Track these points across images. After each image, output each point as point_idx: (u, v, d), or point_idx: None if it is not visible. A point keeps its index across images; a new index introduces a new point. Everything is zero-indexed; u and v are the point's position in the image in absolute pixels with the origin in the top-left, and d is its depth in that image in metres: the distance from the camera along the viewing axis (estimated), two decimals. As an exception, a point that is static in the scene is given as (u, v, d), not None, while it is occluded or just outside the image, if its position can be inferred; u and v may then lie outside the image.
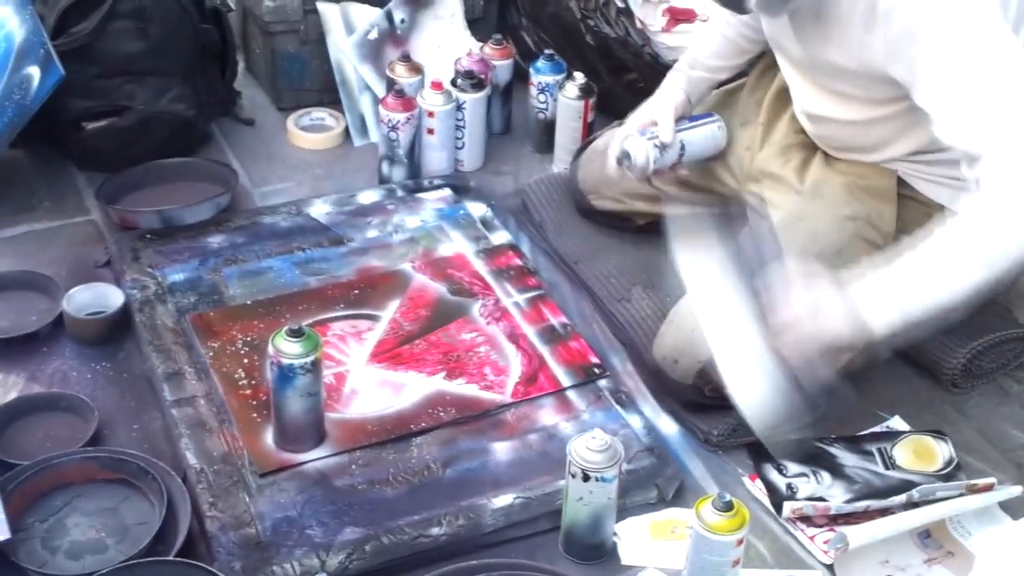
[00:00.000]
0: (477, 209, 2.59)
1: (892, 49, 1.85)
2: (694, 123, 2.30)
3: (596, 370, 2.18)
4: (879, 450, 2.06)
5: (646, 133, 2.26)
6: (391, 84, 2.71)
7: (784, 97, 2.24)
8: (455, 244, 2.48)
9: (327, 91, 2.90)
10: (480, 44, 2.88)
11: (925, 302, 1.80)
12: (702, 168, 2.33)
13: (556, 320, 2.29)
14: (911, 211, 2.09)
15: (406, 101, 2.62)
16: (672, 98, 2.30)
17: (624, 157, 2.24)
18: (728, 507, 1.69)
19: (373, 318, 2.27)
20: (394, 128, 2.61)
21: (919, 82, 1.84)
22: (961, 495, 1.96)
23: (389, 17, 2.86)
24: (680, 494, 1.98)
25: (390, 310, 2.29)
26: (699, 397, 2.07)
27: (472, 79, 2.70)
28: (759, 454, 2.05)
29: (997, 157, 1.77)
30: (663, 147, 2.24)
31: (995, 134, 1.78)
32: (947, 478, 2.00)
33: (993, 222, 1.78)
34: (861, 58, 1.91)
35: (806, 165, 2.19)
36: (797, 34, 2.02)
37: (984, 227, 1.78)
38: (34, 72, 2.48)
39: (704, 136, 2.30)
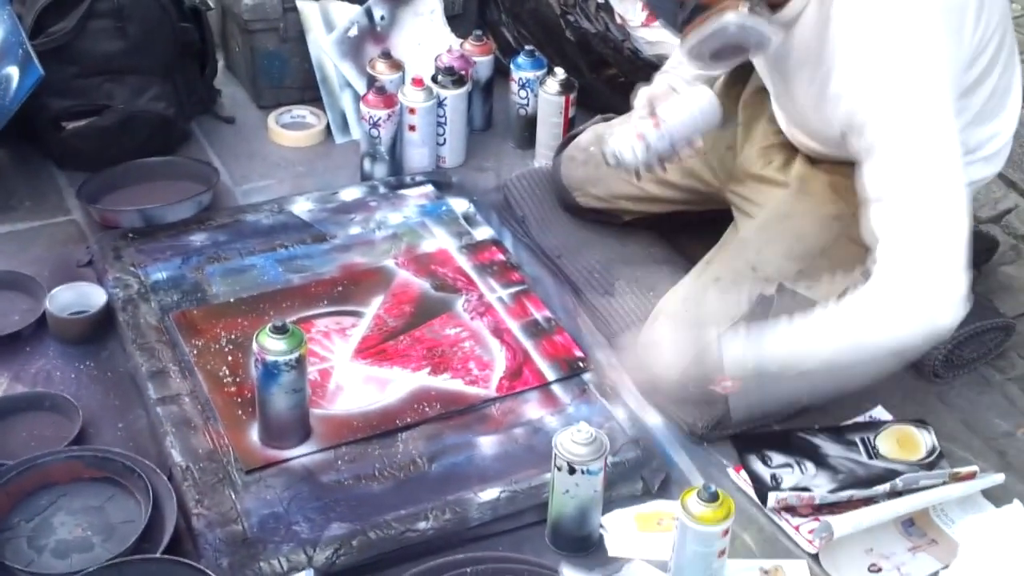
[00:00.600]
0: (459, 205, 2.59)
1: (844, 130, 1.89)
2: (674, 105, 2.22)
3: (580, 363, 2.18)
4: (862, 440, 2.07)
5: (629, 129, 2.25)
6: (372, 81, 2.71)
7: (763, 94, 2.24)
8: (438, 240, 2.48)
9: (308, 89, 2.90)
10: (460, 40, 2.88)
11: (783, 357, 1.89)
12: (684, 167, 2.33)
13: (540, 314, 2.29)
14: None
15: (387, 98, 2.62)
16: (652, 91, 2.29)
17: (612, 158, 2.23)
18: (714, 498, 1.69)
19: (357, 314, 2.27)
20: (375, 125, 2.61)
21: (863, 167, 1.86)
22: (944, 483, 1.97)
23: (369, 14, 2.86)
24: (666, 486, 1.99)
25: (374, 306, 2.29)
26: (683, 392, 2.07)
27: (453, 75, 2.71)
28: (744, 445, 2.06)
29: (893, 260, 1.81)
30: (647, 139, 2.18)
31: (901, 238, 1.81)
32: (930, 467, 2.01)
33: (867, 311, 1.83)
34: (821, 121, 1.96)
35: (788, 164, 2.19)
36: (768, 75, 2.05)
37: (857, 314, 1.84)
38: (13, 72, 2.47)
39: (688, 114, 2.16)
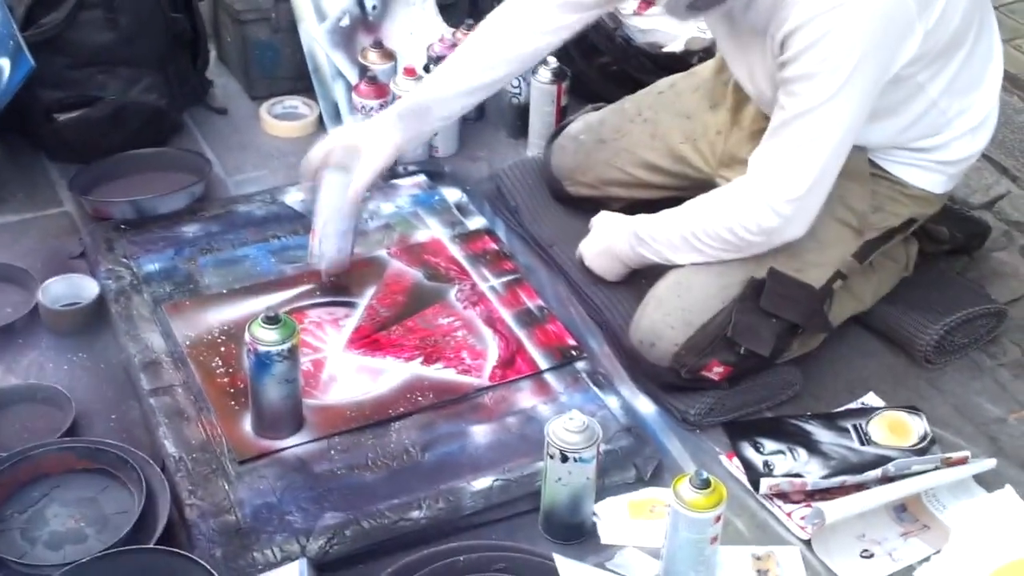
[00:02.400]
0: (452, 194, 2.59)
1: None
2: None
3: (573, 352, 2.19)
4: (854, 426, 2.07)
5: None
6: (364, 71, 2.71)
7: None
8: (431, 230, 2.48)
9: (300, 79, 2.90)
10: (452, 30, 2.87)
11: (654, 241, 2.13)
12: (674, 153, 2.34)
13: (532, 303, 2.29)
14: (883, 189, 2.11)
15: (379, 88, 2.62)
16: (381, 153, 2.23)
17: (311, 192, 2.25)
18: (706, 484, 1.70)
19: (350, 305, 2.27)
20: (368, 115, 2.60)
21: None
22: (936, 469, 1.98)
23: (361, 4, 2.85)
24: (658, 473, 2.00)
25: (367, 296, 2.29)
26: (675, 379, 2.09)
27: (445, 65, 2.70)
28: (736, 432, 2.07)
29: (752, 179, 2.01)
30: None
31: (771, 147, 1.99)
32: (922, 453, 2.02)
33: (718, 201, 2.07)
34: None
35: None
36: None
37: (712, 201, 2.08)
38: (4, 64, 2.46)
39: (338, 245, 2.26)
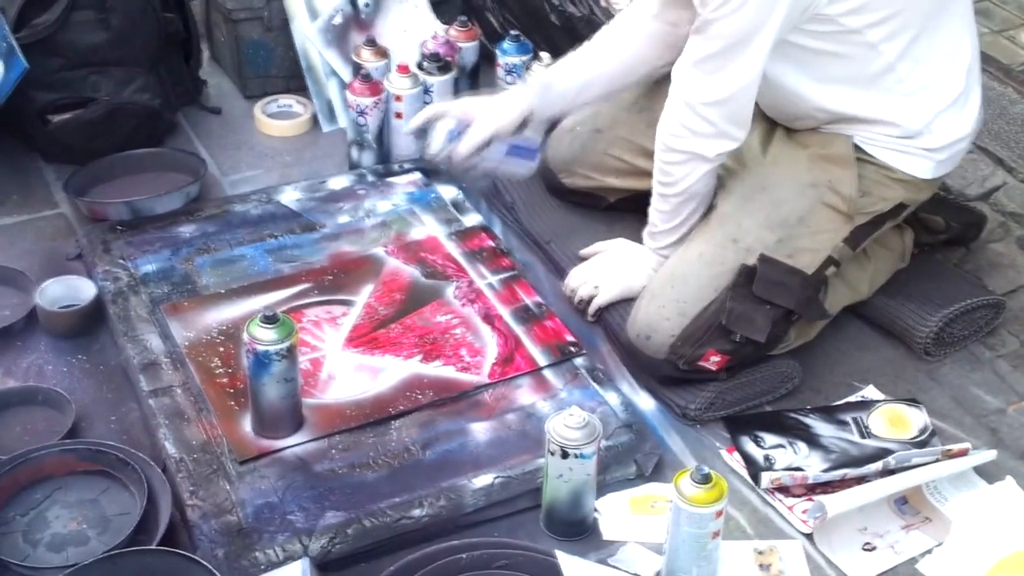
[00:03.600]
0: (448, 192, 2.59)
1: None
2: (512, 152, 2.32)
3: (572, 348, 2.19)
4: (854, 419, 2.08)
5: (459, 128, 2.27)
6: (357, 69, 2.70)
7: None
8: (427, 227, 2.48)
9: (293, 78, 2.90)
10: (445, 26, 2.87)
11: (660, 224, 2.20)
12: None
13: (530, 300, 2.29)
14: (870, 173, 2.12)
15: (373, 85, 2.61)
16: (507, 113, 2.28)
17: (421, 134, 2.30)
18: (706, 479, 1.70)
19: (347, 303, 2.27)
20: (362, 113, 2.60)
21: None
22: (937, 461, 1.98)
23: (353, 2, 2.85)
24: (659, 469, 2.00)
25: (364, 295, 2.29)
26: (673, 371, 2.09)
27: (438, 62, 2.70)
28: (736, 427, 2.07)
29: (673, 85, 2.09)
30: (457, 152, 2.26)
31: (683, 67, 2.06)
32: (922, 445, 2.02)
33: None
34: None
35: (768, 138, 2.22)
36: None
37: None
38: (-3, 66, 2.47)
39: (508, 166, 2.35)
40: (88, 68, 2.59)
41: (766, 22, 1.94)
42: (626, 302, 2.21)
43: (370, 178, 2.62)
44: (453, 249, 2.41)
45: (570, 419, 1.81)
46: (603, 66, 2.31)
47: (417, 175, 2.63)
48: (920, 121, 2.09)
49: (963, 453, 2.00)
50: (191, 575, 1.71)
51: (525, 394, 2.10)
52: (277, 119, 2.85)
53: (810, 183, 2.12)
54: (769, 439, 2.04)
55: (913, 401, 2.12)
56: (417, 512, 1.87)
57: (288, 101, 2.90)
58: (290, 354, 1.90)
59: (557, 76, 2.33)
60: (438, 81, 2.68)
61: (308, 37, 2.82)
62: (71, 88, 2.59)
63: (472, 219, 2.51)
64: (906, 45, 2.03)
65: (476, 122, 2.26)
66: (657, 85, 2.40)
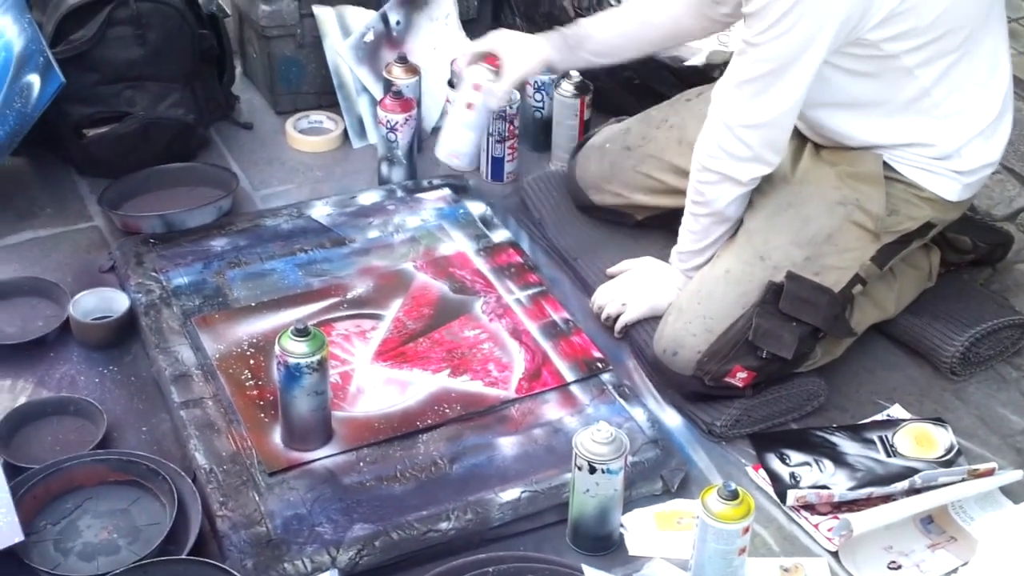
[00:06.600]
0: (477, 208, 2.60)
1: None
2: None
3: (599, 364, 2.20)
4: (880, 438, 2.08)
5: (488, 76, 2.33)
6: (388, 86, 2.72)
7: None
8: (456, 243, 2.50)
9: (325, 94, 2.92)
10: (475, 45, 2.89)
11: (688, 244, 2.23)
12: None
13: (558, 315, 2.30)
14: (898, 192, 2.12)
15: (404, 102, 2.63)
16: (532, 58, 2.35)
17: (457, 79, 2.39)
18: (734, 496, 1.71)
19: (377, 317, 2.29)
20: (392, 129, 2.62)
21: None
22: (963, 480, 1.98)
23: (385, 19, 2.87)
24: (685, 485, 2.00)
25: (393, 309, 2.31)
26: (700, 388, 2.10)
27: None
28: (762, 444, 2.07)
29: (713, 106, 2.10)
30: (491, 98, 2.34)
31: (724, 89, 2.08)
32: (948, 464, 2.02)
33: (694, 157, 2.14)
34: None
35: (797, 155, 2.22)
36: None
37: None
38: (34, 80, 2.50)
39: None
40: (123, 83, 2.63)
41: (811, 48, 1.95)
42: (653, 319, 2.22)
43: (400, 194, 2.64)
44: (481, 265, 2.43)
45: (598, 434, 1.82)
46: (641, 30, 2.35)
47: (446, 191, 2.65)
48: (953, 144, 2.10)
49: (989, 473, 2.00)
50: (220, 585, 1.73)
51: (552, 409, 2.11)
52: (308, 135, 2.88)
53: (838, 201, 2.12)
54: (795, 457, 2.04)
55: (939, 420, 2.12)
56: (444, 525, 1.88)
57: (319, 117, 2.92)
58: (321, 367, 1.92)
59: (596, 29, 2.37)
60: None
61: (340, 54, 2.85)
62: (106, 103, 2.62)
63: (500, 235, 2.52)
64: (943, 71, 2.04)
65: (505, 69, 2.32)
66: (688, 103, 2.42)
